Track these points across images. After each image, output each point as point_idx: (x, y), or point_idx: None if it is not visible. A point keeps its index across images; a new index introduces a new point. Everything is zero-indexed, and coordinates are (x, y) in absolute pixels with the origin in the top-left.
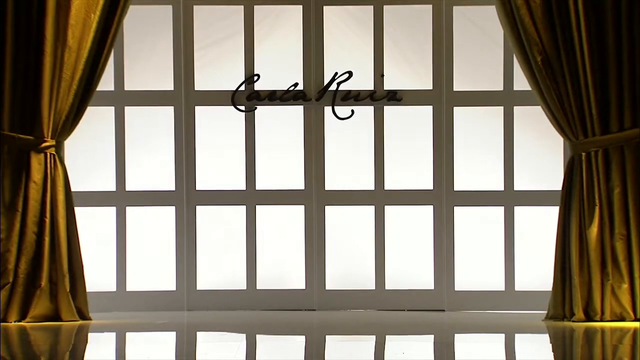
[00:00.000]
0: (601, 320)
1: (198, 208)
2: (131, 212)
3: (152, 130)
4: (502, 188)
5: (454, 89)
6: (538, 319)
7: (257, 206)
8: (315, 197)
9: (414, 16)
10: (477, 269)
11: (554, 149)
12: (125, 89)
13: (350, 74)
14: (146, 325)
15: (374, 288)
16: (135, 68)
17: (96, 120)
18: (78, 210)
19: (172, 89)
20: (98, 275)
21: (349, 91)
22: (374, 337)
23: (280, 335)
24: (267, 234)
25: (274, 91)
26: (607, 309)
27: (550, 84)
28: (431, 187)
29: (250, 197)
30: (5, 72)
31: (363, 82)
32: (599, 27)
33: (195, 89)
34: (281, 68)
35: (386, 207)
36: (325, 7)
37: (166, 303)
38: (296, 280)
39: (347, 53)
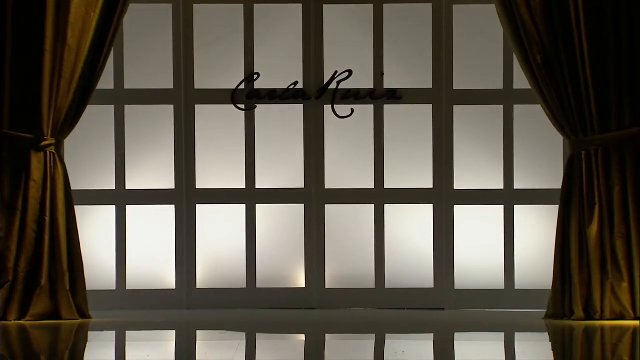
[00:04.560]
0: (601, 319)
1: (198, 207)
2: (131, 210)
3: (151, 129)
4: (501, 187)
5: (454, 88)
6: (538, 318)
7: (256, 205)
8: (315, 195)
9: (413, 15)
10: (476, 268)
11: (553, 147)
12: (125, 87)
13: (350, 72)
14: (146, 323)
15: (373, 287)
16: (134, 66)
17: (96, 119)
18: (78, 209)
19: (171, 87)
20: (98, 274)
21: (349, 90)
22: (373, 335)
23: (280, 334)
24: (267, 233)
25: (274, 90)
26: (607, 308)
27: (550, 83)
28: (431, 186)
29: (250, 196)
30: (5, 70)
31: (363, 80)
32: (599, 25)
33: (195, 87)
34: (281, 67)
35: (386, 205)
36: (325, 6)
37: (166, 301)
38: (296, 278)
39: (347, 52)
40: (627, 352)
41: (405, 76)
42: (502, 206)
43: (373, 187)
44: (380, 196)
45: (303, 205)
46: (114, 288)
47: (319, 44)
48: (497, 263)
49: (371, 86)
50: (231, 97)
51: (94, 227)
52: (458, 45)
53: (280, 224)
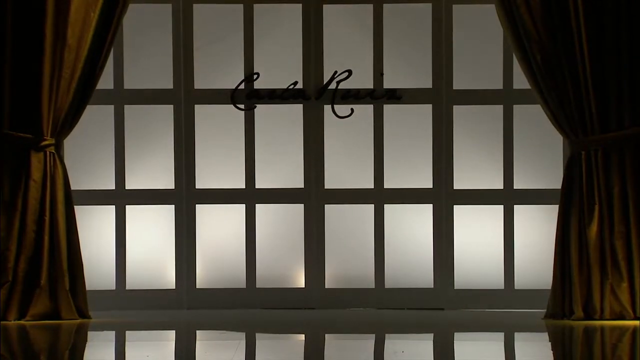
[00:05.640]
0: (600, 319)
1: (197, 207)
2: (131, 210)
3: (151, 129)
4: (501, 187)
5: (454, 88)
6: (537, 318)
7: (256, 205)
8: (314, 195)
9: (413, 14)
10: (476, 268)
11: (553, 147)
12: (125, 87)
13: (349, 72)
14: (146, 323)
15: (373, 287)
16: (134, 66)
17: (96, 119)
18: (77, 209)
19: (171, 87)
20: (98, 274)
21: (349, 90)
22: (373, 335)
23: (279, 334)
24: (266, 233)
25: (274, 90)
26: (607, 308)
27: (550, 83)
28: (430, 186)
29: (250, 196)
30: (5, 70)
31: (363, 80)
32: (599, 25)
33: (195, 87)
34: (281, 67)
35: (385, 205)
36: (324, 6)
37: (166, 301)
38: (295, 278)
39: (346, 51)
40: (626, 352)
41: (405, 76)
42: (502, 206)
43: (373, 187)
44: (379, 196)
45: (303, 205)
46: (114, 288)
47: (319, 43)
48: (496, 263)
49: (371, 86)
50: (231, 97)
51: (94, 227)
52: (458, 45)
53: (280, 224)
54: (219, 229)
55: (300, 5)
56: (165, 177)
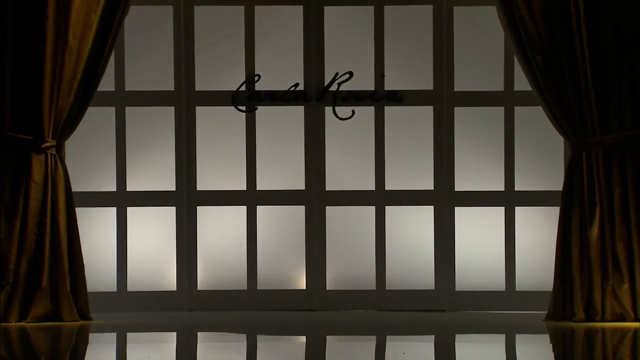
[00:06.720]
0: (601, 321)
1: (199, 208)
2: (132, 212)
3: (152, 131)
4: (502, 188)
5: (455, 89)
6: (538, 319)
7: (257, 206)
8: (315, 197)
9: (414, 16)
10: (477, 269)
11: (554, 149)
12: (126, 89)
13: (350, 74)
14: (147, 325)
15: (374, 288)
16: (135, 68)
17: (97, 121)
18: (79, 211)
19: (172, 89)
20: (99, 275)
21: (350, 91)
22: (374, 337)
23: (280, 336)
24: (267, 234)
25: (275, 91)
26: (608, 309)
27: (551, 84)
28: (432, 187)
29: (251, 198)
30: (6, 72)
31: (364, 82)
32: (600, 26)
33: (196, 89)
34: (282, 68)
35: (387, 207)
36: (325, 7)
37: (167, 303)
38: (297, 280)
39: (347, 53)
40: (627, 353)
41: (406, 78)
42: (503, 208)
43: (374, 188)
44: (381, 198)
45: (304, 206)
46: (115, 290)
47: (320, 45)
48: (497, 265)
49: (372, 88)
50: (232, 98)
51: (95, 228)
52: (459, 46)
53: (281, 226)
54: (220, 230)
55: (301, 6)
56: (167, 178)
